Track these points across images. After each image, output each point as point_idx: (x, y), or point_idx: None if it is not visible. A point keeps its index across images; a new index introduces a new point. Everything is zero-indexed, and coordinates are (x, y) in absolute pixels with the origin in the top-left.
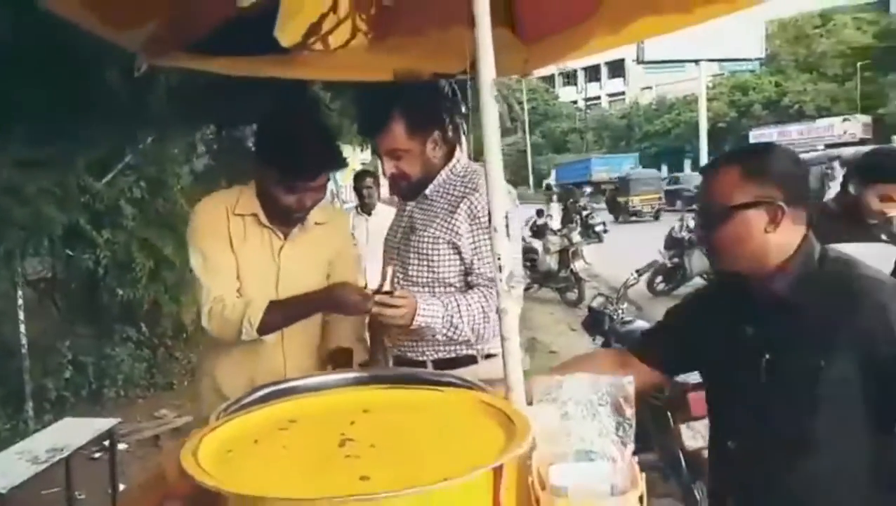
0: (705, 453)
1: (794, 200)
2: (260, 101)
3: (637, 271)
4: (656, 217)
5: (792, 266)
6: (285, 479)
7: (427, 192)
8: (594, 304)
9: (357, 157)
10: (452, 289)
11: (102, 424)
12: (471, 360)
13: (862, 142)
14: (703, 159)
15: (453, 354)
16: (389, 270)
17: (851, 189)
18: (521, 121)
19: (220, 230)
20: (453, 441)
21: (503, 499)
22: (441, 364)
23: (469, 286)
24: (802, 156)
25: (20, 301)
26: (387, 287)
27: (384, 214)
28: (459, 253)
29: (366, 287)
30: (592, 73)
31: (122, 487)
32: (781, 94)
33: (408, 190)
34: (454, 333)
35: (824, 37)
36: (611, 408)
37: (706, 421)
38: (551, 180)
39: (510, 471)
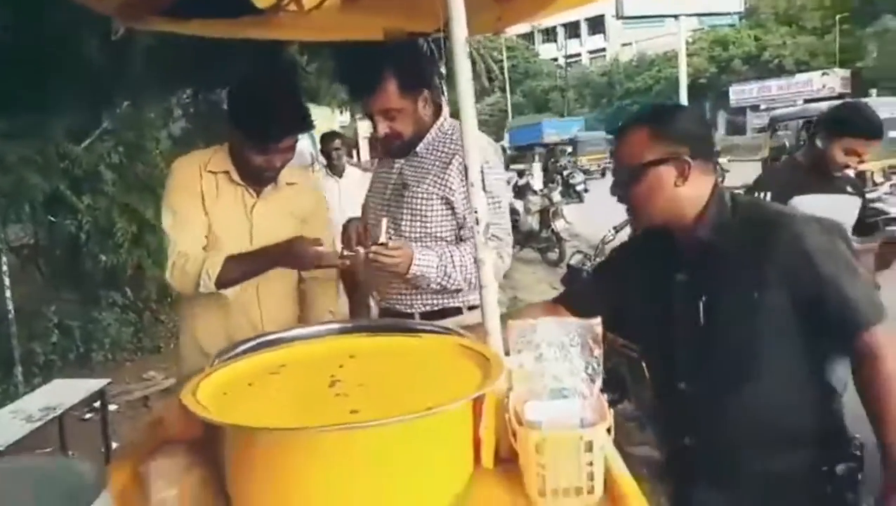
0: None
1: (699, 154)
2: (236, 65)
3: (614, 228)
4: (602, 175)
5: (708, 215)
6: (279, 414)
7: (417, 149)
8: (572, 261)
9: (336, 119)
10: (444, 243)
11: (93, 384)
12: (456, 311)
13: (840, 96)
14: None
15: (440, 306)
16: (384, 221)
17: (818, 143)
18: (501, 80)
19: (192, 187)
20: (436, 380)
21: (483, 434)
22: (428, 316)
23: (460, 240)
24: (784, 111)
25: (4, 267)
26: (383, 239)
27: (355, 176)
28: (452, 208)
29: (336, 247)
30: (572, 30)
31: (114, 445)
32: (761, 48)
33: (399, 148)
34: (448, 281)
35: None
36: (580, 348)
37: None
38: (505, 143)
39: (489, 409)
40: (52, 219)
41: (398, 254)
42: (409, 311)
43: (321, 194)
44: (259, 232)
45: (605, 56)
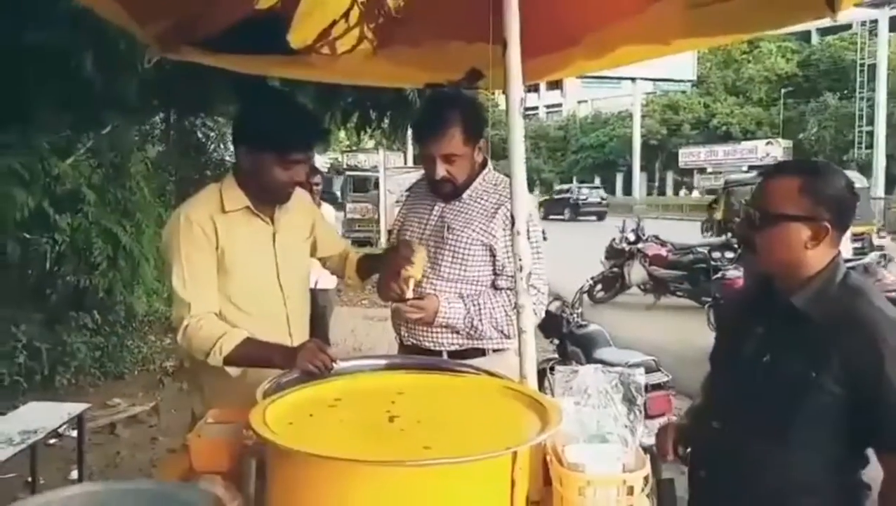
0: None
1: (838, 224)
2: (215, 93)
3: (592, 278)
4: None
5: (814, 282)
6: (349, 446)
7: (463, 195)
8: (551, 308)
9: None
10: (481, 287)
11: (72, 408)
12: (481, 353)
13: None
14: (636, 173)
15: (467, 346)
16: (411, 281)
17: None
18: None
19: (203, 238)
20: (490, 419)
21: (517, 475)
22: (455, 355)
23: (496, 288)
24: (738, 176)
25: None
26: (409, 295)
27: (329, 214)
28: (493, 255)
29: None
30: (531, 84)
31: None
32: (710, 115)
33: (450, 192)
34: (474, 332)
35: (751, 63)
36: (622, 396)
37: (663, 419)
38: None
39: (524, 451)
40: (28, 236)
41: (424, 307)
42: (436, 348)
43: (311, 201)
44: (283, 260)
45: (561, 112)
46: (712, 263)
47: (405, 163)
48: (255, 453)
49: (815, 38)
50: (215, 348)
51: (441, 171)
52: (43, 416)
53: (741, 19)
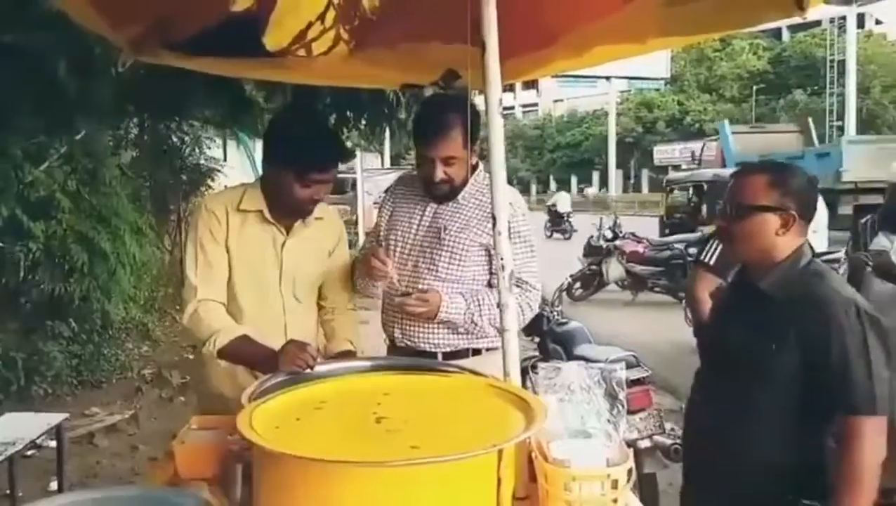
0: (640, 443)
1: (803, 214)
2: (189, 97)
3: (571, 276)
4: None
5: (780, 267)
6: (338, 447)
7: (459, 196)
8: None
9: None
10: (478, 285)
11: (50, 418)
12: (475, 352)
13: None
14: (612, 171)
15: (463, 347)
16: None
17: None
18: None
19: (219, 228)
20: (477, 418)
21: (503, 473)
22: (450, 355)
23: (491, 287)
24: (677, 175)
25: None
26: (393, 275)
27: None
28: (490, 255)
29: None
30: (507, 84)
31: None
32: (684, 112)
33: (446, 193)
34: (473, 327)
35: (724, 60)
36: (604, 391)
37: (642, 414)
38: None
39: (509, 449)
40: (1, 244)
41: (429, 299)
42: (432, 350)
43: (343, 226)
44: (288, 268)
45: (537, 111)
46: (688, 258)
47: (382, 164)
48: (240, 458)
49: (785, 36)
50: (211, 340)
51: (440, 173)
52: (20, 427)
53: (714, 18)
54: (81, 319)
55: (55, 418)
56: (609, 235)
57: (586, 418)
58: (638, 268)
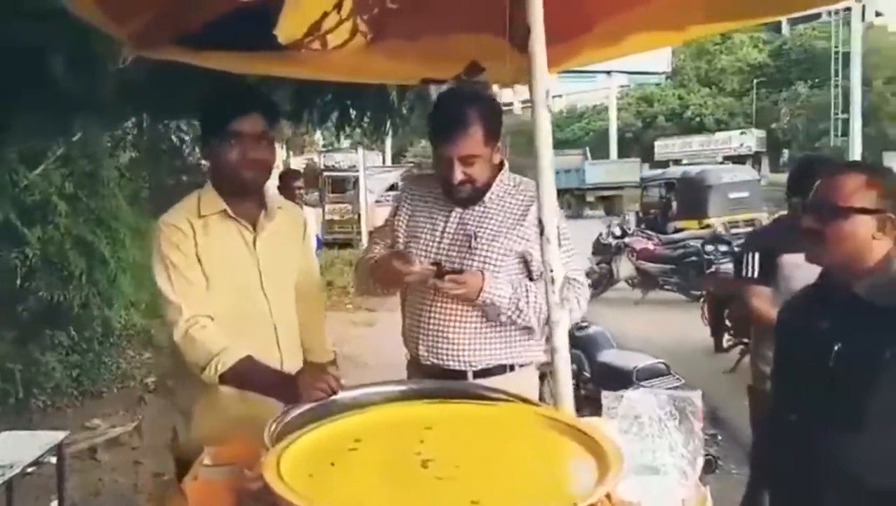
0: None
1: None
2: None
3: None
4: None
5: (875, 271)
6: (386, 501)
7: (485, 199)
8: None
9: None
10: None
11: (49, 437)
12: (508, 368)
13: (756, 154)
14: None
15: (494, 364)
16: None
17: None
18: None
19: (185, 242)
20: (538, 459)
21: None
22: (477, 374)
23: (531, 280)
24: (650, 173)
25: None
26: (416, 268)
27: (311, 218)
28: (526, 261)
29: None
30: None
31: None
32: (684, 106)
33: (469, 196)
34: (519, 316)
35: (724, 53)
36: (679, 422)
37: None
38: None
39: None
40: None
41: (465, 281)
42: (462, 368)
43: (304, 216)
44: (266, 266)
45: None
46: (705, 256)
47: (384, 162)
48: (261, 499)
49: (785, 29)
50: (212, 364)
51: (459, 174)
52: (19, 447)
53: (763, 1)
54: (81, 328)
55: (55, 436)
56: (618, 232)
57: (659, 454)
58: (648, 265)
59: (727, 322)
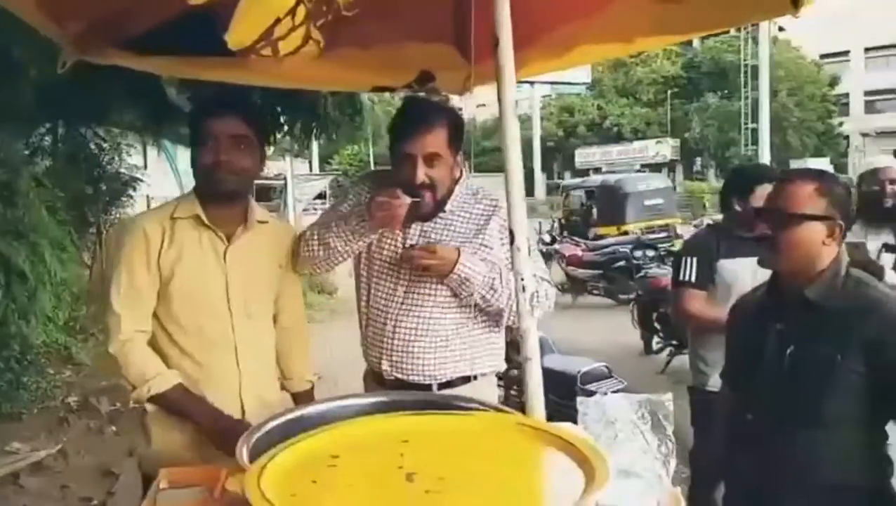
0: None
1: (846, 221)
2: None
3: None
4: None
5: (824, 276)
6: None
7: (447, 207)
8: None
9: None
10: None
11: None
12: (466, 380)
13: (671, 162)
14: (538, 174)
15: (458, 375)
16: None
17: (737, 207)
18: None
19: (150, 248)
20: (523, 468)
21: None
22: (441, 386)
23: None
24: (571, 181)
25: None
26: (405, 200)
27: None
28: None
29: None
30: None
31: None
32: (603, 116)
33: (429, 207)
34: (492, 296)
35: (640, 66)
36: (651, 426)
37: None
38: None
39: None
40: None
41: (437, 251)
42: (425, 382)
43: (294, 232)
44: (235, 280)
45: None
46: (634, 261)
47: (311, 170)
48: None
49: (696, 42)
50: (143, 388)
51: (421, 174)
52: None
53: (708, 15)
54: None
55: None
56: (547, 238)
57: (633, 458)
58: (578, 271)
59: (656, 325)
